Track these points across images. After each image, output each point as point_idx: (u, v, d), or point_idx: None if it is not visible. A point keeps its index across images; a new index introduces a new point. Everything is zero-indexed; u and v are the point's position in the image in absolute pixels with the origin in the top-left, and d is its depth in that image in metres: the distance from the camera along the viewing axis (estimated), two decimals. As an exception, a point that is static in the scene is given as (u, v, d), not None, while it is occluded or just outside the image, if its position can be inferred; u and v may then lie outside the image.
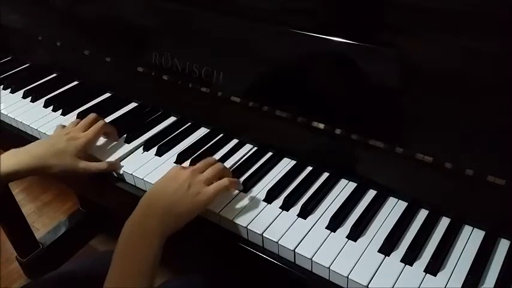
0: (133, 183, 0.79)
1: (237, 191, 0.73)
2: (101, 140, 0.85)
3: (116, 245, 0.61)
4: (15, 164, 0.74)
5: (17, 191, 1.78)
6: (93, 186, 0.86)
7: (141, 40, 0.93)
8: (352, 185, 0.74)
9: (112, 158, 0.82)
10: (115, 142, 0.85)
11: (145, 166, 0.80)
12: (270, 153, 0.81)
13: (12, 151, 0.76)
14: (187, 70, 0.85)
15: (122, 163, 0.81)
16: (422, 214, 0.69)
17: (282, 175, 0.77)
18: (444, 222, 0.67)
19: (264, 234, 0.66)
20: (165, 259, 0.62)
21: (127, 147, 0.85)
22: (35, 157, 0.75)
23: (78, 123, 0.83)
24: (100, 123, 0.82)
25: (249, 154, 0.82)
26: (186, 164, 0.80)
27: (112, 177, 0.81)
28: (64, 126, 0.84)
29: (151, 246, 0.60)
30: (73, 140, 0.78)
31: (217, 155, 0.81)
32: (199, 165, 0.71)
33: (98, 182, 0.81)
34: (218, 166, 0.71)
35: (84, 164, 0.77)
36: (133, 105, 0.98)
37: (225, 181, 0.69)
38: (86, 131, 0.81)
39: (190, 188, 0.65)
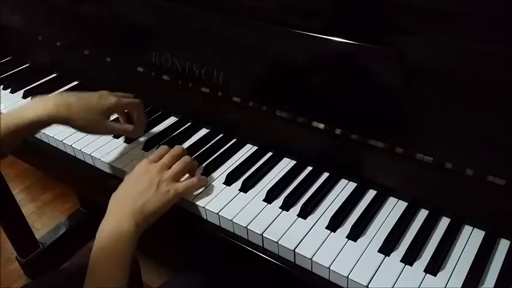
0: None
1: (237, 191, 0.73)
2: (104, 140, 0.86)
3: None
4: (43, 110, 0.72)
5: (17, 191, 1.78)
6: (94, 186, 0.86)
7: (141, 40, 0.93)
8: (352, 185, 0.74)
9: (111, 157, 0.82)
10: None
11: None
12: (270, 153, 0.81)
13: (38, 98, 0.76)
14: (187, 70, 0.85)
15: (122, 163, 0.81)
16: (422, 214, 0.69)
17: (282, 175, 0.77)
18: (444, 222, 0.67)
19: (264, 234, 0.66)
20: (165, 259, 0.62)
21: (127, 148, 0.85)
22: (62, 105, 0.74)
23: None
24: (137, 100, 0.83)
25: (249, 154, 0.82)
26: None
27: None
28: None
29: (125, 248, 0.62)
30: (104, 100, 0.77)
31: (217, 155, 0.81)
32: (166, 159, 0.71)
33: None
34: (185, 160, 0.72)
35: (109, 124, 0.78)
36: (133, 105, 0.98)
37: (193, 180, 0.71)
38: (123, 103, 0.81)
39: (159, 186, 0.67)
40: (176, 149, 0.74)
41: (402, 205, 0.70)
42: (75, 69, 1.09)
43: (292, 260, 0.64)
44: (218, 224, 0.70)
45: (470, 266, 0.60)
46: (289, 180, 0.75)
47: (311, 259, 0.62)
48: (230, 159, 0.81)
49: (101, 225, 0.64)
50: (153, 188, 0.66)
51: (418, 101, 0.65)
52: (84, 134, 0.89)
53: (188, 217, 0.73)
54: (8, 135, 0.70)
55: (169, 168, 0.70)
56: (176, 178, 0.70)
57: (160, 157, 0.72)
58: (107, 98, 0.78)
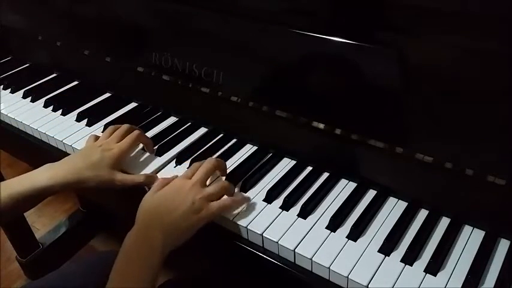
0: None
1: (236, 190, 0.73)
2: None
3: (113, 246, 0.62)
4: (50, 178, 0.71)
5: (17, 191, 1.78)
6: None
7: (141, 40, 0.93)
8: (352, 185, 0.74)
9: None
10: (148, 154, 0.82)
11: (147, 167, 0.80)
12: (270, 153, 0.81)
13: (47, 166, 0.74)
14: (187, 70, 0.85)
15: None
16: (422, 214, 0.69)
17: (282, 175, 0.77)
18: (444, 222, 0.67)
19: (264, 234, 0.66)
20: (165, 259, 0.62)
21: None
22: (70, 171, 0.73)
23: (111, 134, 0.79)
24: (135, 133, 0.79)
25: (249, 154, 0.82)
26: (186, 164, 0.80)
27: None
28: (97, 137, 0.81)
29: (153, 263, 0.60)
30: (107, 151, 0.75)
31: (217, 155, 0.81)
32: (201, 174, 0.68)
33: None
34: (223, 184, 0.70)
35: (120, 176, 0.74)
36: (133, 105, 0.98)
37: (228, 201, 0.68)
38: (119, 141, 0.77)
39: (194, 204, 0.64)
40: (211, 163, 0.71)
41: (402, 205, 0.70)
42: (75, 69, 1.09)
43: (292, 260, 0.64)
44: (219, 224, 0.70)
45: (470, 266, 0.60)
46: (289, 180, 0.75)
47: (311, 259, 0.62)
48: (230, 160, 0.81)
49: (129, 235, 0.62)
50: (187, 204, 0.64)
51: (418, 101, 0.65)
52: (84, 134, 0.89)
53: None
54: (12, 203, 0.69)
55: (204, 183, 0.68)
56: (211, 198, 0.67)
57: (194, 172, 0.69)
58: (109, 149, 0.75)
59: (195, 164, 0.72)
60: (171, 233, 0.62)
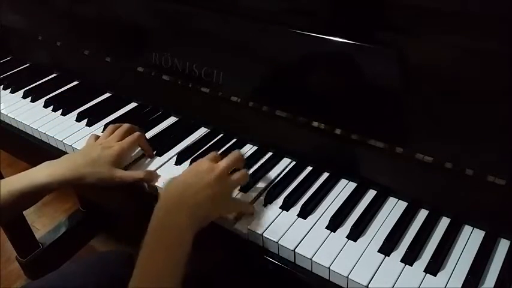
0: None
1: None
2: None
3: (116, 244, 0.61)
4: (49, 175, 0.72)
5: (17, 191, 1.78)
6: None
7: (141, 40, 0.93)
8: (352, 185, 0.74)
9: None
10: (149, 159, 0.82)
11: (147, 167, 0.80)
12: (270, 153, 0.81)
13: (46, 163, 0.74)
14: (187, 70, 0.85)
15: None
16: (422, 214, 0.69)
17: (282, 175, 0.77)
18: (444, 222, 0.67)
19: (264, 234, 0.66)
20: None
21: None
22: (69, 168, 0.73)
23: (111, 133, 0.80)
24: (136, 134, 0.79)
25: (249, 154, 0.82)
26: (186, 164, 0.80)
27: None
28: (97, 137, 0.81)
29: (183, 241, 0.59)
30: (107, 149, 0.75)
31: (217, 155, 0.81)
32: (228, 163, 0.67)
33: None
34: (244, 173, 0.69)
35: (120, 173, 0.74)
36: (133, 105, 0.98)
37: (250, 208, 0.69)
38: (120, 140, 0.78)
39: (218, 189, 0.64)
40: (238, 154, 0.71)
41: (402, 205, 0.70)
42: (75, 69, 1.09)
43: (292, 260, 0.64)
44: (220, 225, 0.70)
45: (470, 266, 0.60)
46: (289, 180, 0.75)
47: (311, 259, 0.62)
48: (230, 159, 0.81)
49: (154, 214, 0.61)
50: (216, 185, 0.64)
51: (418, 101, 0.65)
52: (84, 134, 0.89)
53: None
54: (12, 200, 0.69)
55: (228, 171, 0.68)
56: (235, 187, 0.69)
57: (218, 159, 0.69)
58: (110, 147, 0.76)
59: (235, 152, 0.70)
60: (198, 215, 0.62)
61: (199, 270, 0.84)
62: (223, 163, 0.67)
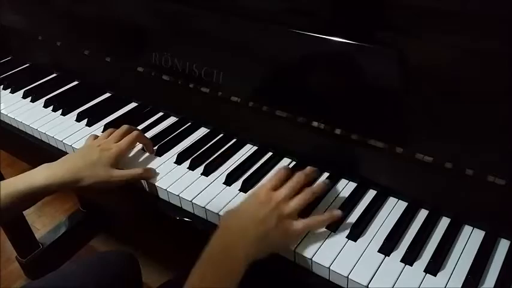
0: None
1: (237, 191, 0.73)
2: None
3: (107, 245, 0.61)
4: (48, 178, 0.72)
5: (17, 191, 1.78)
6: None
7: (141, 40, 0.93)
8: (352, 185, 0.74)
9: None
10: (148, 154, 0.82)
11: (147, 166, 0.80)
12: (270, 153, 0.81)
13: (45, 165, 0.74)
14: (187, 70, 0.85)
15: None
16: (422, 214, 0.69)
17: (282, 175, 0.77)
18: (444, 222, 0.67)
19: (264, 234, 0.65)
20: (165, 259, 0.62)
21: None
22: (68, 170, 0.73)
23: (110, 134, 0.80)
24: (134, 133, 0.80)
25: (248, 154, 0.82)
26: (186, 164, 0.80)
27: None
28: (96, 137, 0.81)
29: (234, 273, 0.58)
30: (106, 151, 0.75)
31: (217, 155, 0.81)
32: (288, 190, 0.65)
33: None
34: (309, 197, 0.66)
35: (118, 173, 0.75)
36: (133, 105, 0.98)
37: (314, 222, 0.65)
38: (118, 141, 0.78)
39: (281, 221, 0.62)
40: (299, 176, 0.67)
41: (402, 205, 0.70)
42: (75, 69, 1.09)
43: (292, 260, 0.64)
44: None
45: (470, 266, 0.60)
46: (289, 180, 0.75)
47: (311, 259, 0.62)
48: (230, 160, 0.81)
49: (211, 242, 0.60)
50: (272, 221, 0.61)
51: (418, 101, 0.65)
52: (84, 134, 0.89)
53: (188, 220, 0.73)
54: (10, 202, 0.69)
55: (290, 198, 0.64)
56: (295, 215, 0.64)
57: (281, 182, 0.66)
58: (108, 149, 0.76)
59: (282, 170, 0.68)
60: (255, 246, 0.60)
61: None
62: (282, 192, 0.64)
